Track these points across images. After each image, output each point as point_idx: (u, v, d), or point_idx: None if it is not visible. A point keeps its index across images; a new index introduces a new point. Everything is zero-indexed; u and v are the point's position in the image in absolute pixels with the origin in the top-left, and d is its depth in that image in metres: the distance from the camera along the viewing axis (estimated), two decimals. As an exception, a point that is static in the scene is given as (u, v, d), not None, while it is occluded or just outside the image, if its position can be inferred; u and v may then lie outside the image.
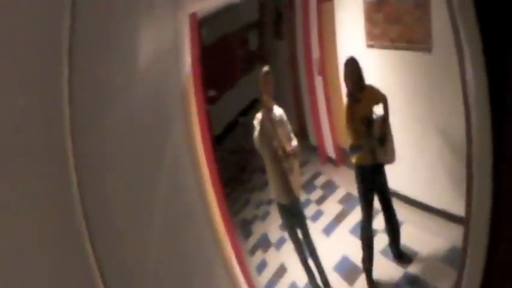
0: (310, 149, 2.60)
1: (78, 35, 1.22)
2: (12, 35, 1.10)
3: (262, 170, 2.38)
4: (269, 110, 2.34)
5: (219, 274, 2.20)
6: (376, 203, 2.34)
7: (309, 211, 2.47)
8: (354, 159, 2.40)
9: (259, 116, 2.33)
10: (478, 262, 1.57)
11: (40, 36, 1.17)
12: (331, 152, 2.58)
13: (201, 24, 2.17)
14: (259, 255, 2.42)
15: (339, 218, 2.45)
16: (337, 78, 2.36)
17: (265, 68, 2.31)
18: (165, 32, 1.92)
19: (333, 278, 2.36)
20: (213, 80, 2.25)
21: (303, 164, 2.49)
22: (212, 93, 2.27)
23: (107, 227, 1.35)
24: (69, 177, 1.22)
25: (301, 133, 2.53)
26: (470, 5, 1.46)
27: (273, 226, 2.49)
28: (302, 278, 2.40)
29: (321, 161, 2.61)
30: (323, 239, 2.42)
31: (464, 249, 1.65)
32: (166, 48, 1.91)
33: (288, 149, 2.37)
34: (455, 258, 1.85)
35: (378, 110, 2.27)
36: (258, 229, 2.49)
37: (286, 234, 2.44)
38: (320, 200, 2.51)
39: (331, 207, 2.49)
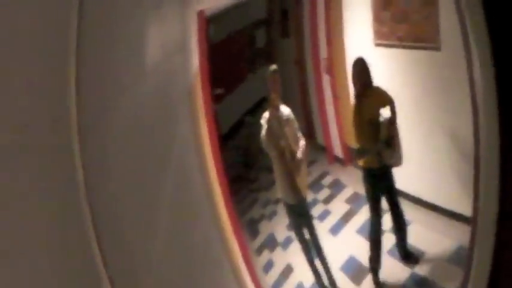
0: (317, 148, 2.60)
1: (85, 35, 1.22)
2: (20, 35, 1.10)
3: (269, 170, 2.38)
4: (276, 109, 2.33)
5: (225, 273, 2.20)
6: (384, 204, 2.34)
7: (316, 211, 2.47)
8: (361, 162, 2.39)
9: (266, 115, 2.32)
10: (485, 262, 1.56)
11: (47, 37, 1.17)
12: (338, 151, 2.58)
13: (209, 22, 2.17)
14: (266, 255, 2.43)
15: (346, 218, 2.45)
16: (345, 77, 2.36)
17: (273, 67, 2.31)
18: (173, 31, 1.91)
19: (340, 278, 2.36)
20: (220, 77, 2.26)
21: (310, 164, 2.49)
22: (219, 91, 2.28)
23: (113, 227, 1.35)
24: (76, 176, 1.22)
25: (309, 132, 2.53)
26: (478, 4, 1.45)
27: (280, 226, 2.49)
28: (309, 278, 2.40)
29: (328, 161, 2.61)
30: (330, 238, 2.42)
31: (471, 249, 1.65)
32: (174, 47, 1.91)
33: (296, 151, 2.37)
34: (462, 258, 1.84)
35: (385, 112, 2.27)
36: (264, 229, 2.50)
37: (293, 234, 2.44)
38: (327, 200, 2.51)
39: (339, 206, 2.49)
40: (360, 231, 2.40)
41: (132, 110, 1.49)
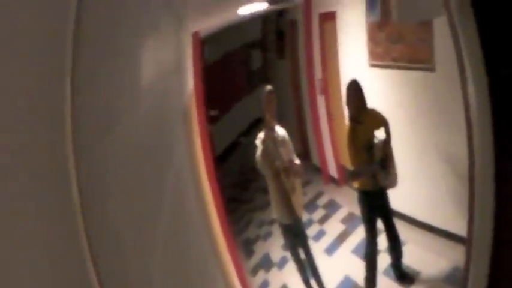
0: (312, 169, 2.60)
1: (81, 56, 1.23)
2: (16, 59, 1.10)
3: (265, 190, 2.38)
4: (271, 130, 2.34)
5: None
6: (379, 224, 2.34)
7: (311, 231, 2.47)
8: (355, 184, 2.40)
9: (261, 135, 2.33)
10: (480, 282, 1.56)
11: (43, 57, 1.17)
12: (333, 171, 2.58)
13: (204, 42, 2.18)
14: (261, 275, 2.41)
15: (341, 238, 2.44)
16: (340, 97, 2.36)
17: (268, 87, 2.31)
18: (168, 51, 1.92)
19: (335, 298, 2.36)
20: (215, 98, 2.26)
21: (305, 184, 2.49)
22: (214, 113, 2.28)
23: (110, 246, 1.34)
24: (72, 197, 1.22)
25: (304, 153, 2.53)
26: (473, 25, 1.47)
27: (275, 246, 2.48)
28: (304, 299, 2.39)
29: (323, 181, 2.61)
30: (325, 258, 2.42)
31: (466, 269, 1.65)
32: (169, 67, 1.92)
33: (290, 165, 2.36)
34: (457, 278, 1.84)
35: (380, 134, 2.27)
36: (260, 249, 2.48)
37: (288, 254, 2.43)
38: (322, 220, 2.50)
39: (334, 226, 2.48)
40: (355, 251, 2.39)
41: (128, 130, 1.49)
